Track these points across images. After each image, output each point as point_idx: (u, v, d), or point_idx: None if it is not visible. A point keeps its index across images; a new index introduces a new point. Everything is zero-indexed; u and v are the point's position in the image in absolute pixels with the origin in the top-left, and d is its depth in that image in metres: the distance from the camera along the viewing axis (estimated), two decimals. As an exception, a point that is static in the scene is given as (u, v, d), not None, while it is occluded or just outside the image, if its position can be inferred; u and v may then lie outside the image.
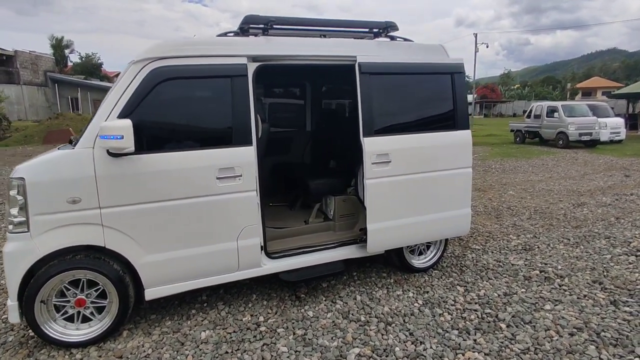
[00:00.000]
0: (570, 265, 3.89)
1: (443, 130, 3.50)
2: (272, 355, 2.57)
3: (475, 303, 3.18)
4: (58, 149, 2.78)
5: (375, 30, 3.52)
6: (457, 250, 4.34)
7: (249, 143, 2.90)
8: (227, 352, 2.61)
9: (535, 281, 3.56)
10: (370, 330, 2.83)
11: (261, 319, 3.00)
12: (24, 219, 2.47)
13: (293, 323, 2.94)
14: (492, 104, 53.66)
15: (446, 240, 3.86)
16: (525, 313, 3.00)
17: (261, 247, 3.11)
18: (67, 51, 36.63)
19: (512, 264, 3.93)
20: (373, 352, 2.57)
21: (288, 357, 2.55)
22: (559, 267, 3.83)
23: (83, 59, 36.95)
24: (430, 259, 3.82)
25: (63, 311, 2.67)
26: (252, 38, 2.99)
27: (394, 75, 3.33)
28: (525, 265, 3.91)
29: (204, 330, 2.85)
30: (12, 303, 2.52)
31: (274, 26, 3.05)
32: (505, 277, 3.66)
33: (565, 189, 7.46)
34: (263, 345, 2.68)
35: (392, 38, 3.57)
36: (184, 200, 2.76)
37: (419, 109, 3.51)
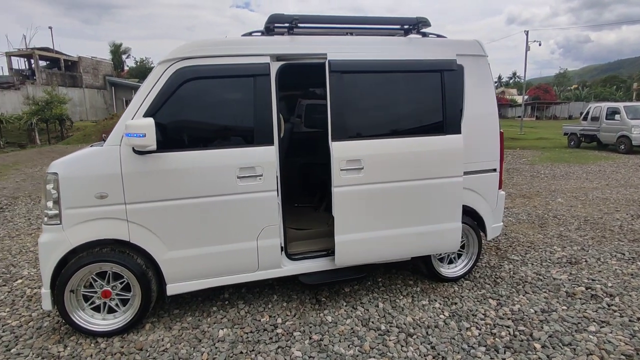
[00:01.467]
0: (622, 283, 3.50)
1: (428, 134, 3.13)
2: (285, 359, 2.51)
3: (508, 319, 2.93)
4: (91, 146, 2.92)
5: (406, 26, 3.37)
6: (492, 261, 4.06)
7: (271, 143, 2.88)
8: (241, 352, 2.59)
9: (580, 299, 3.23)
10: (390, 340, 2.69)
11: (279, 320, 2.97)
12: (57, 212, 2.61)
13: (310, 327, 2.87)
14: (544, 106, 50.43)
15: (479, 249, 3.62)
16: (564, 333, 2.72)
17: (281, 248, 3.08)
18: (124, 56, 39.34)
19: (554, 278, 3.60)
20: (390, 364, 2.44)
21: (301, 362, 2.49)
22: (609, 285, 3.45)
23: (138, 63, 39.52)
24: (461, 268, 3.60)
25: (91, 301, 2.79)
26: (275, 37, 2.97)
27: (370, 73, 3.02)
28: (569, 280, 3.57)
29: (222, 329, 2.87)
30: (46, 291, 2.67)
31: (299, 25, 3.01)
32: (545, 292, 3.35)
33: (624, 198, 6.78)
34: (278, 348, 2.64)
35: (424, 34, 3.40)
36: (205, 198, 2.79)
37: (398, 111, 3.17)
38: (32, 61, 30.31)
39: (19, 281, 3.79)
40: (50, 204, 2.63)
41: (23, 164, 13.08)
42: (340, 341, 2.69)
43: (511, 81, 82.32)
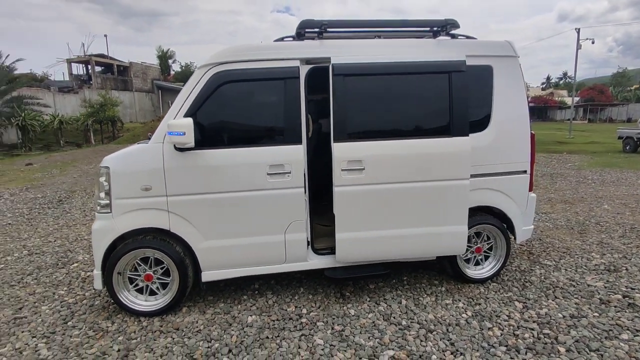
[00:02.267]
0: (665, 293, 3.32)
1: (434, 136, 3.11)
2: (307, 346, 2.66)
3: (534, 322, 2.89)
4: (137, 143, 3.23)
5: (435, 28, 3.42)
6: (523, 265, 3.97)
7: (299, 142, 3.04)
8: (267, 337, 2.77)
9: (615, 306, 3.11)
10: (410, 335, 2.76)
11: (304, 311, 3.12)
12: (108, 201, 2.93)
13: (333, 318, 3.00)
14: (598, 108, 47.22)
15: (508, 251, 3.57)
16: (593, 339, 2.65)
17: (308, 242, 3.23)
18: (170, 61, 41.50)
19: (588, 285, 3.48)
20: (408, 357, 2.51)
21: (323, 349, 2.62)
22: (650, 294, 3.28)
23: (183, 67, 41.51)
24: (488, 270, 3.57)
25: (135, 283, 3.09)
26: (305, 42, 3.13)
27: (372, 76, 3.06)
28: (605, 287, 3.43)
29: (251, 315, 3.06)
30: (97, 272, 2.99)
31: (328, 29, 3.15)
32: (577, 298, 3.26)
33: (679, 206, 6.31)
34: (301, 335, 2.78)
35: (453, 36, 3.43)
36: (237, 193, 3.00)
37: (402, 113, 3.16)
38: (89, 67, 32.77)
39: (75, 265, 4.22)
40: (102, 194, 2.95)
41: (80, 161, 14.23)
42: (361, 333, 2.80)
43: (561, 82, 77.78)
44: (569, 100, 45.08)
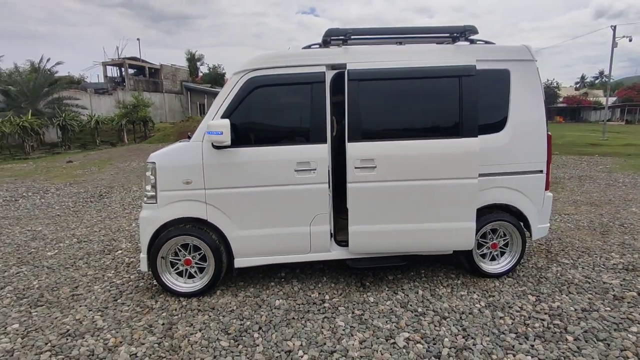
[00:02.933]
0: (682, 291, 3.37)
1: (444, 137, 3.30)
2: (330, 327, 2.92)
3: (545, 313, 3.04)
4: (179, 142, 3.59)
5: (454, 34, 3.60)
6: (540, 262, 4.08)
7: (324, 141, 3.31)
8: (294, 318, 3.05)
9: (628, 302, 3.20)
10: (425, 320, 2.97)
11: (327, 297, 3.38)
12: (154, 193, 3.29)
13: (354, 304, 3.24)
14: (638, 108, 45.07)
15: (523, 248, 3.70)
16: (601, 330, 2.78)
17: (331, 234, 3.50)
18: (198, 63, 42.76)
19: (604, 282, 3.57)
20: (422, 339, 2.73)
21: (344, 330, 2.87)
22: (666, 292, 3.35)
23: (210, 69, 42.68)
24: (503, 265, 3.72)
25: (176, 267, 3.44)
26: (331, 48, 3.40)
27: (384, 80, 3.29)
28: (621, 285, 3.52)
29: (278, 299, 3.35)
30: (143, 256, 3.36)
31: (352, 37, 3.41)
32: (591, 293, 3.36)
33: None
34: (324, 317, 3.05)
35: (472, 42, 3.60)
36: (268, 187, 3.30)
37: (414, 115, 3.39)
38: (123, 69, 34.33)
39: (119, 252, 4.66)
40: (149, 187, 3.31)
41: (115, 159, 15.06)
42: (379, 317, 3.03)
43: (597, 81, 74.58)
44: (604, 100, 43.36)
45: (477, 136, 3.26)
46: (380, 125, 3.38)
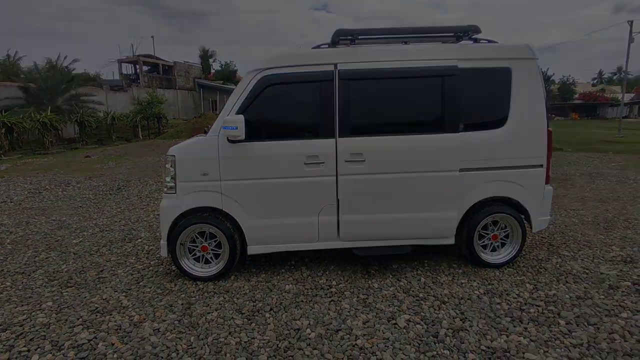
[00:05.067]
0: (677, 282, 3.48)
1: (426, 133, 3.56)
2: (336, 308, 3.14)
3: (541, 300, 3.20)
4: (196, 136, 3.83)
5: (458, 34, 3.76)
6: (541, 254, 4.22)
7: (332, 136, 3.51)
8: (302, 301, 3.27)
9: (623, 291, 3.34)
10: (425, 304, 3.16)
11: (333, 282, 3.60)
12: (173, 184, 3.54)
13: (359, 290, 3.45)
14: (655, 105, 44.01)
15: (523, 239, 3.85)
16: (592, 316, 2.94)
17: (337, 224, 3.70)
18: (210, 60, 43.25)
19: (601, 273, 3.70)
20: (422, 320, 2.93)
21: (349, 312, 3.08)
22: (661, 283, 3.47)
23: (222, 66, 43.13)
24: (504, 256, 3.87)
25: (193, 253, 3.70)
26: (339, 48, 3.60)
27: (375, 80, 3.53)
28: (617, 276, 3.64)
29: (288, 284, 3.58)
30: (164, 242, 3.62)
31: (360, 37, 3.60)
32: (587, 283, 3.51)
33: None
34: (330, 301, 3.27)
35: (475, 40, 3.75)
36: (279, 179, 3.53)
37: (400, 112, 3.63)
38: (137, 67, 34.95)
39: (139, 240, 4.95)
40: (168, 178, 3.56)
41: (131, 154, 15.49)
42: (382, 301, 3.23)
43: (615, 77, 72.91)
44: (618, 97, 42.36)
45: (458, 132, 3.55)
46: (368, 121, 3.62)
